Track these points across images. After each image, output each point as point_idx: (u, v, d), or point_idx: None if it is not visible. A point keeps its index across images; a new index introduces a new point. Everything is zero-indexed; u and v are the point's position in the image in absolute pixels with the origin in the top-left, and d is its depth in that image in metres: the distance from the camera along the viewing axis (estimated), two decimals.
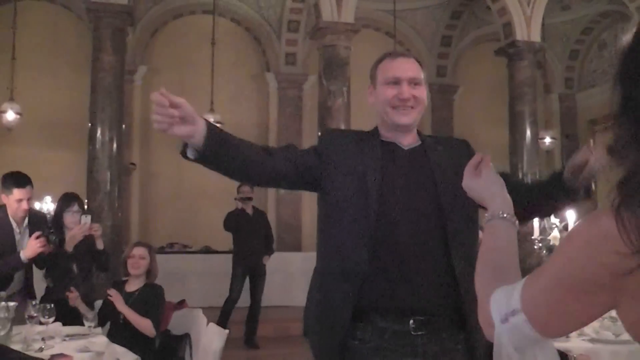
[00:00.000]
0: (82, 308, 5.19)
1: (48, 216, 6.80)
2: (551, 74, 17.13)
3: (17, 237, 5.54)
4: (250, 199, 9.59)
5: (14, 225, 5.52)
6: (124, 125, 10.44)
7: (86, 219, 5.83)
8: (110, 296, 5.15)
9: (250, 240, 9.47)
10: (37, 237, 5.22)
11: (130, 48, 12.82)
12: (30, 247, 5.21)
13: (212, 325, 5.19)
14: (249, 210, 9.65)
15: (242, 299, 9.50)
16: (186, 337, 5.35)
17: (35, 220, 5.75)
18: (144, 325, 5.07)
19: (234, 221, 9.57)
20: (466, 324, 2.51)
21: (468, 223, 2.62)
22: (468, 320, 2.48)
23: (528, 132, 12.07)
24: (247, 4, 14.75)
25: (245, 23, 15.08)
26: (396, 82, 2.64)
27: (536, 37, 12.50)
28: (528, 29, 12.42)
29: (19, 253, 5.28)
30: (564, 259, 1.18)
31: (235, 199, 9.66)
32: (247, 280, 9.53)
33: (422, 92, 2.69)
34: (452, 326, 2.51)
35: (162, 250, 12.06)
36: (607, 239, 1.07)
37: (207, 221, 13.14)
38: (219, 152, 2.36)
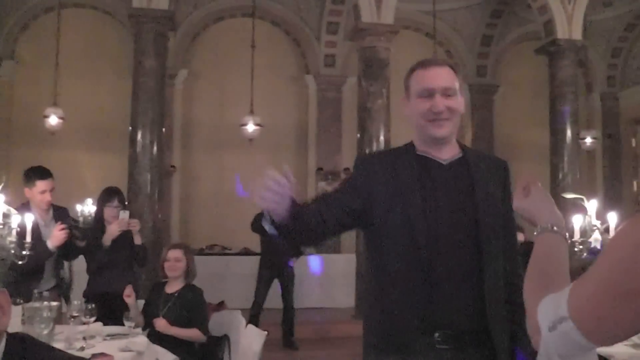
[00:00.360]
0: (133, 309, 5.23)
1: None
2: (593, 72, 16.92)
3: (43, 230, 5.68)
4: None
5: (39, 218, 5.64)
6: (164, 129, 10.53)
7: (124, 214, 5.93)
8: (128, 296, 5.19)
9: (275, 242, 9.43)
10: (62, 229, 5.49)
11: (171, 52, 12.94)
12: (55, 236, 5.48)
13: (251, 327, 5.22)
14: None
15: (277, 301, 9.52)
16: (225, 338, 5.37)
17: (59, 213, 5.92)
18: (193, 335, 5.13)
19: (260, 223, 9.55)
20: (493, 346, 2.48)
21: (500, 241, 2.58)
22: (494, 341, 2.47)
23: (569, 132, 11.93)
24: (287, 6, 14.81)
25: (285, 25, 15.15)
26: (429, 94, 2.55)
27: (577, 35, 12.35)
28: (569, 27, 12.27)
29: (45, 242, 5.48)
30: (612, 263, 1.14)
31: None
32: (277, 284, 9.52)
33: (457, 102, 2.59)
34: (479, 345, 2.48)
35: (201, 252, 12.16)
36: None
37: (246, 223, 13.11)
38: (290, 226, 2.31)
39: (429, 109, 2.53)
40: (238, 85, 13.34)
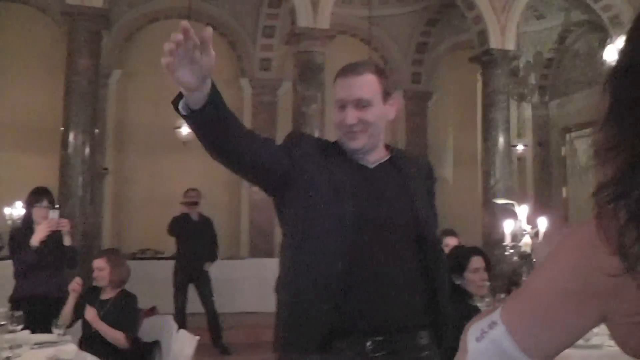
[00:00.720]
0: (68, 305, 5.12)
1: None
2: (525, 82, 17.23)
3: None
4: (196, 203, 9.46)
5: None
6: (97, 130, 10.36)
7: (54, 214, 5.79)
8: (78, 284, 5.10)
9: (193, 246, 9.31)
10: None
11: (105, 52, 12.74)
12: None
13: (183, 332, 5.16)
14: (194, 216, 9.52)
15: (227, 304, 9.44)
16: (157, 344, 5.30)
17: None
18: (117, 338, 5.01)
19: (177, 226, 9.47)
20: (442, 340, 2.47)
21: (436, 239, 2.58)
22: (444, 335, 2.46)
23: (501, 140, 12.13)
24: (223, 9, 14.72)
25: (221, 28, 15.03)
26: (342, 105, 2.47)
27: (510, 45, 12.59)
28: (502, 38, 12.50)
29: None
30: (551, 268, 1.09)
31: (181, 203, 9.56)
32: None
33: (372, 113, 2.46)
34: (424, 343, 2.42)
35: (134, 257, 12.00)
36: (595, 245, 1.01)
37: None
38: (214, 117, 2.20)
39: (341, 122, 2.46)
40: (173, 87, 13.02)
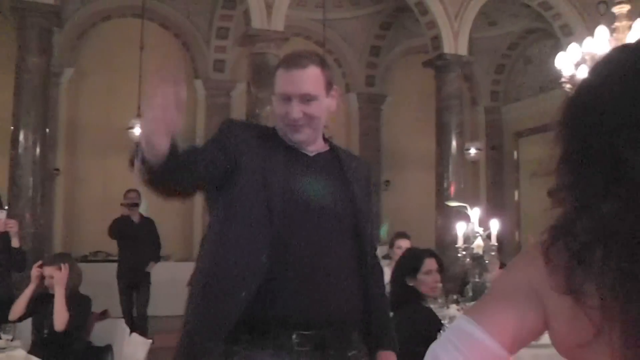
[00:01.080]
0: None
1: None
2: (478, 87, 17.45)
3: None
4: (136, 205, 9.37)
5: None
6: (48, 129, 10.21)
7: (0, 215, 5.67)
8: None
9: (134, 249, 9.23)
10: None
11: (56, 49, 12.55)
12: None
13: (135, 336, 5.11)
14: (135, 218, 9.45)
15: (163, 308, 9.32)
16: (108, 348, 5.23)
17: None
18: (62, 315, 4.86)
19: (118, 229, 9.36)
20: (374, 340, 2.46)
21: (368, 234, 2.55)
22: (379, 336, 2.45)
23: (454, 143, 12.25)
24: (177, 9, 14.60)
25: (174, 29, 14.92)
26: (287, 98, 2.44)
27: (463, 50, 12.72)
28: (455, 43, 12.62)
29: None
30: (507, 274, 1.28)
31: (121, 204, 9.45)
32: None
33: (316, 108, 2.46)
34: (346, 342, 2.38)
35: (85, 259, 11.85)
36: (537, 262, 1.17)
37: None
38: (170, 167, 2.04)
39: (286, 115, 2.44)
40: (126, 87, 13.03)
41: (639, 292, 1.05)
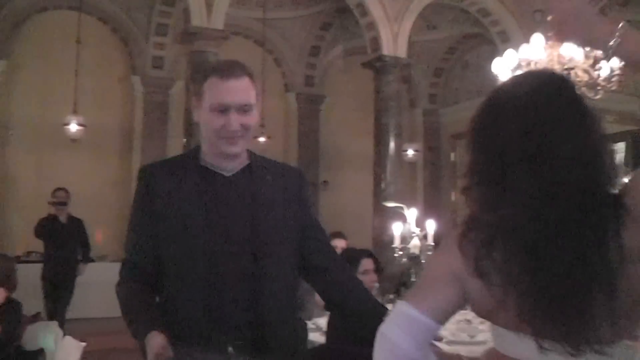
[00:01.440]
0: None
1: None
2: (416, 89, 17.62)
3: None
4: (64, 204, 9.16)
5: None
6: None
7: None
8: None
9: (61, 249, 9.06)
10: None
11: None
12: None
13: (69, 339, 5.01)
14: (63, 217, 9.24)
15: (96, 310, 9.15)
16: (41, 352, 5.11)
17: None
18: None
19: (44, 228, 9.15)
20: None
21: (287, 259, 2.52)
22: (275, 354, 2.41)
23: (392, 144, 12.33)
24: (115, 3, 14.36)
25: (113, 23, 14.68)
26: (224, 109, 2.38)
27: (402, 53, 12.82)
28: (395, 45, 12.71)
29: None
30: (434, 259, 1.85)
31: (49, 203, 9.25)
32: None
33: (252, 118, 2.45)
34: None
35: (18, 260, 11.57)
36: (454, 251, 1.58)
37: None
38: None
39: (223, 127, 2.38)
40: (62, 81, 12.80)
41: (527, 276, 1.44)
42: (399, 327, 1.58)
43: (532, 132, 1.49)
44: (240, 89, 2.41)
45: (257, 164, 2.56)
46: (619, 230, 1.42)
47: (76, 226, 9.36)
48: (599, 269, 1.40)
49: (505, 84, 1.66)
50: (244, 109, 2.40)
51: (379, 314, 2.40)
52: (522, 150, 1.48)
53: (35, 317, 5.59)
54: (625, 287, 1.41)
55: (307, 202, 2.70)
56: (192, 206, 2.40)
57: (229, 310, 2.37)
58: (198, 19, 11.23)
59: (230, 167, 2.49)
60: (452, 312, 1.61)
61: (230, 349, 2.32)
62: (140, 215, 2.47)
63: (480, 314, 1.61)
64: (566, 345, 1.41)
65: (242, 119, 2.39)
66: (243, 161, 2.53)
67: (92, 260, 9.77)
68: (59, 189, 9.19)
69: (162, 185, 2.44)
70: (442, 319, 1.60)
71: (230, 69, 2.44)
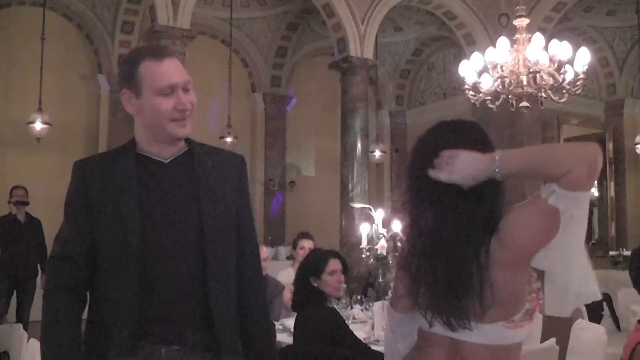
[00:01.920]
0: None
1: None
2: (383, 90, 17.68)
3: None
4: (24, 203, 8.97)
5: None
6: None
7: None
8: None
9: (20, 250, 8.88)
10: None
11: None
12: None
13: (34, 341, 4.95)
14: (21, 217, 9.05)
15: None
16: (5, 355, 5.05)
17: None
18: None
19: (2, 228, 8.97)
20: (219, 346, 2.37)
21: (228, 242, 2.46)
22: (221, 342, 2.36)
23: (359, 145, 12.35)
24: (81, 0, 14.22)
25: (78, 20, 14.51)
26: (171, 90, 2.32)
27: (369, 54, 12.86)
28: (361, 46, 12.74)
29: None
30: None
31: (9, 202, 9.07)
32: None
33: (194, 97, 2.41)
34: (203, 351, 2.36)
35: None
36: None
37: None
38: None
39: (174, 108, 2.32)
40: (26, 78, 12.63)
41: (430, 271, 1.96)
42: (391, 331, 2.21)
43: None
44: (179, 68, 2.37)
45: (196, 150, 2.49)
46: (489, 245, 1.90)
47: (34, 227, 9.17)
48: (474, 270, 1.89)
49: (428, 129, 2.18)
50: (187, 87, 2.37)
51: (262, 344, 2.54)
52: (423, 182, 2.00)
53: (0, 319, 5.51)
54: (494, 285, 1.89)
55: (247, 191, 2.64)
56: (129, 195, 2.32)
57: (177, 304, 2.32)
58: (164, 18, 11.16)
59: (168, 154, 2.43)
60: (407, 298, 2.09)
61: (163, 350, 2.28)
62: (75, 208, 2.38)
63: (406, 295, 2.09)
64: (446, 321, 1.93)
65: (188, 97, 2.36)
66: (182, 147, 2.47)
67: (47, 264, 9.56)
68: (18, 186, 9.00)
69: (97, 177, 2.36)
70: (412, 307, 2.08)
71: (160, 50, 2.42)
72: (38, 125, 11.80)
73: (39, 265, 9.14)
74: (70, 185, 2.42)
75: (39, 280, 9.10)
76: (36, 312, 9.39)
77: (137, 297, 2.27)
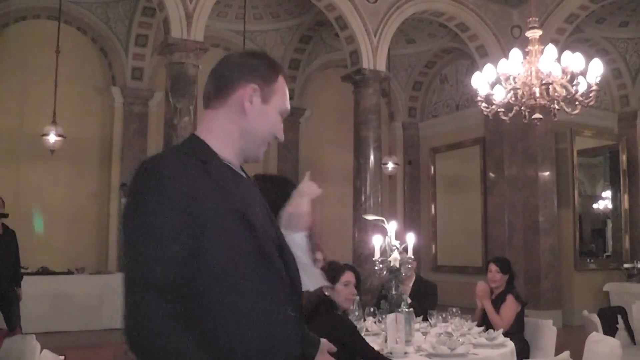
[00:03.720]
0: None
1: None
2: (395, 102, 17.71)
3: None
4: (5, 215, 8.76)
5: None
6: None
7: None
8: None
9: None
10: None
11: None
12: None
13: (47, 352, 4.96)
14: None
15: (72, 323, 9.06)
16: None
17: None
18: None
19: None
20: None
21: None
22: None
23: (372, 157, 12.35)
24: (95, 13, 14.31)
25: (92, 33, 14.61)
26: (284, 116, 2.24)
27: (382, 66, 12.87)
28: (374, 58, 12.76)
29: None
30: None
31: None
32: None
33: None
34: None
35: None
36: None
37: (45, 240, 12.59)
38: None
39: (278, 132, 2.23)
40: (41, 91, 12.71)
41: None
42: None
43: None
44: None
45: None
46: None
47: (10, 239, 8.91)
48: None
49: None
50: None
51: None
52: None
53: (13, 330, 5.53)
54: None
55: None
56: (238, 199, 2.00)
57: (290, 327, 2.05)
58: (178, 31, 11.20)
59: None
60: None
61: None
62: (171, 219, 1.83)
63: None
64: None
65: None
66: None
67: (22, 278, 9.29)
68: None
69: (192, 183, 1.90)
70: None
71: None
72: (52, 138, 11.87)
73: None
74: (153, 191, 1.88)
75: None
76: (52, 324, 9.46)
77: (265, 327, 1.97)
